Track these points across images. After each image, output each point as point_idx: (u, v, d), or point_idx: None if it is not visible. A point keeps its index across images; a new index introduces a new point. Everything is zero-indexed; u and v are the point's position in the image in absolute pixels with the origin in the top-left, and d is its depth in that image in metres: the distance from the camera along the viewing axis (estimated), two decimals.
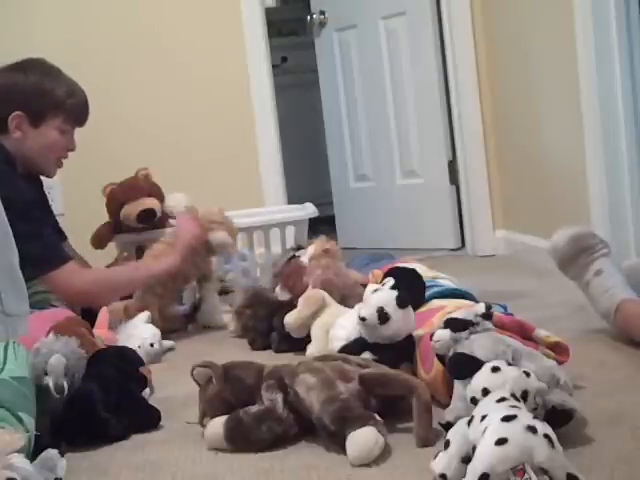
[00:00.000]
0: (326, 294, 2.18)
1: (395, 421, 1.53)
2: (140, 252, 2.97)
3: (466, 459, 1.19)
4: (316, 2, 4.45)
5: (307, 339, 2.13)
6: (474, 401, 1.31)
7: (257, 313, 2.41)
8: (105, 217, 3.03)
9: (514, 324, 1.64)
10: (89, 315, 2.45)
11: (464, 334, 1.51)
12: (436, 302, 1.94)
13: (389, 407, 1.55)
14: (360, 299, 1.87)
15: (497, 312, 1.66)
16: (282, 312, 2.23)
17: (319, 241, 2.59)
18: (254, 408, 1.54)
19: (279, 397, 1.55)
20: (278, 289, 2.51)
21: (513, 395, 1.27)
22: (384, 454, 1.41)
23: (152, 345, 2.31)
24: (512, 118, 3.49)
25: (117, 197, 2.99)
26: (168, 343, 2.44)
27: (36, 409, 1.56)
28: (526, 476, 1.07)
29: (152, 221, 2.97)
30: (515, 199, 3.58)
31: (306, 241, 2.93)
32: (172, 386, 2.00)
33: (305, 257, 2.55)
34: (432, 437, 1.44)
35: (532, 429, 1.11)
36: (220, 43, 3.76)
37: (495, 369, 1.33)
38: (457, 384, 1.45)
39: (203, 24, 3.76)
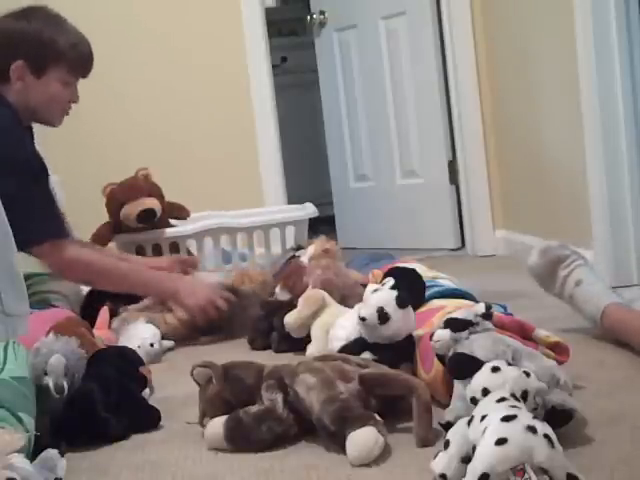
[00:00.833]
0: (326, 294, 2.18)
1: (395, 421, 1.53)
2: (140, 252, 2.98)
3: (466, 459, 1.19)
4: (316, 2, 4.45)
5: (307, 339, 2.13)
6: (474, 401, 1.31)
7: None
8: (105, 217, 3.03)
9: (514, 324, 1.64)
10: (89, 315, 2.46)
11: (464, 334, 1.51)
12: (436, 302, 1.93)
13: (389, 407, 1.55)
14: (360, 299, 1.87)
15: (497, 312, 1.66)
16: (282, 312, 2.23)
17: (319, 241, 2.59)
18: (254, 408, 1.54)
19: (279, 397, 1.55)
20: (278, 289, 2.52)
21: (513, 395, 1.27)
22: (384, 454, 1.41)
23: (152, 345, 2.31)
24: (512, 118, 3.49)
25: (117, 197, 2.99)
26: (168, 343, 2.44)
27: (36, 409, 1.56)
28: (526, 476, 1.07)
29: (152, 221, 2.97)
30: (515, 199, 3.58)
31: (306, 241, 2.93)
32: (172, 386, 1.99)
33: (305, 257, 2.55)
34: (432, 437, 1.44)
35: (532, 429, 1.11)
36: (220, 43, 3.76)
37: (495, 369, 1.33)
38: (457, 384, 1.45)
39: (203, 24, 3.76)
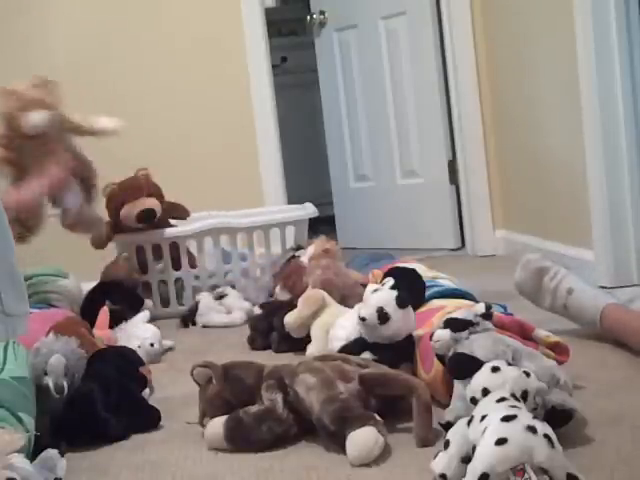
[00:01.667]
0: (326, 294, 2.18)
1: (395, 421, 1.53)
2: (140, 252, 2.98)
3: (466, 459, 1.19)
4: (316, 2, 4.45)
5: (307, 339, 2.13)
6: (474, 401, 1.31)
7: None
8: (105, 217, 3.03)
9: (514, 324, 1.64)
10: (89, 315, 2.46)
11: (464, 334, 1.51)
12: (436, 302, 1.94)
13: (389, 407, 1.55)
14: (360, 299, 1.87)
15: (497, 312, 1.66)
16: (282, 312, 2.23)
17: (319, 241, 2.60)
18: (254, 408, 1.54)
19: (279, 397, 1.55)
20: (278, 289, 2.52)
21: (513, 395, 1.27)
22: (384, 454, 1.41)
23: (152, 345, 2.31)
24: (512, 118, 3.49)
25: (117, 197, 2.99)
26: (168, 343, 2.44)
27: (36, 409, 1.56)
28: (526, 476, 1.07)
29: (152, 221, 2.97)
30: (515, 199, 3.58)
31: (306, 241, 2.93)
32: (172, 386, 2.00)
33: (305, 257, 2.55)
34: (432, 437, 1.44)
35: (532, 429, 1.11)
36: (220, 43, 3.76)
37: (495, 369, 1.33)
38: (457, 384, 1.45)
39: (203, 24, 3.76)
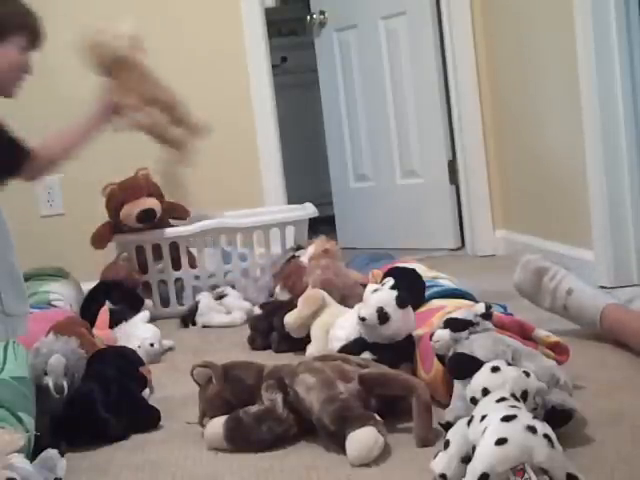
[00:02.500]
0: (326, 294, 2.18)
1: (395, 421, 1.53)
2: (140, 252, 2.98)
3: (466, 459, 1.19)
4: (316, 2, 4.45)
5: (307, 339, 2.13)
6: (474, 401, 1.31)
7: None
8: (105, 217, 3.03)
9: (514, 324, 1.64)
10: (89, 315, 2.46)
11: (464, 334, 1.51)
12: (436, 302, 1.94)
13: (389, 407, 1.55)
14: (360, 299, 1.87)
15: (497, 312, 1.66)
16: (282, 312, 2.23)
17: (319, 241, 2.60)
18: (254, 408, 1.54)
19: (279, 397, 1.55)
20: (278, 289, 2.52)
21: (513, 395, 1.27)
22: (384, 454, 1.41)
23: (152, 345, 2.31)
24: (512, 118, 3.49)
25: (117, 197, 2.99)
26: (168, 343, 2.44)
27: (36, 409, 1.56)
28: (526, 476, 1.07)
29: (152, 221, 2.97)
30: (515, 199, 3.58)
31: (306, 241, 2.93)
32: (172, 386, 2.00)
33: (305, 257, 2.55)
34: (432, 437, 1.44)
35: (532, 429, 1.11)
36: (220, 43, 3.76)
37: (495, 369, 1.33)
38: (457, 384, 1.45)
39: (203, 24, 3.75)
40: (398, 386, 1.52)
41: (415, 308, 1.82)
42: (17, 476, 1.22)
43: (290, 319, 2.16)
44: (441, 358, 1.55)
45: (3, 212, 2.15)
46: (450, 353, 1.50)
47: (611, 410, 1.51)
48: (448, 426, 1.33)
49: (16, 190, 2.61)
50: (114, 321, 2.39)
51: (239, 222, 3.04)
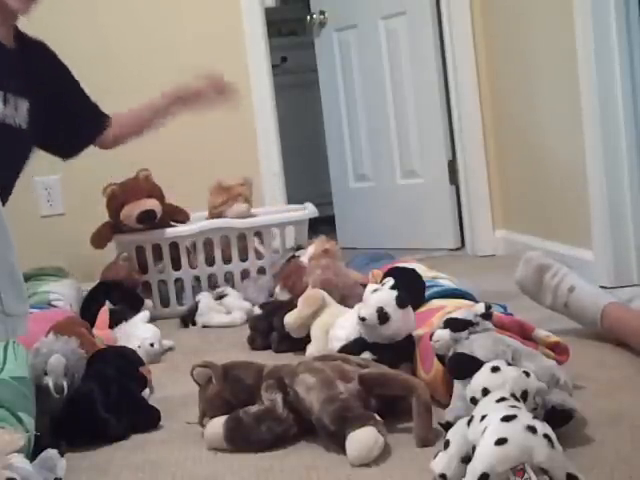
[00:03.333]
0: (326, 294, 2.18)
1: (395, 421, 1.53)
2: (140, 252, 2.98)
3: (466, 459, 1.19)
4: (316, 2, 4.45)
5: (307, 339, 2.13)
6: (474, 401, 1.31)
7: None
8: (105, 217, 3.03)
9: (514, 324, 1.64)
10: (89, 315, 2.46)
11: (464, 334, 1.51)
12: (436, 302, 1.93)
13: (389, 407, 1.55)
14: (360, 299, 1.87)
15: (497, 312, 1.66)
16: (282, 312, 2.23)
17: (319, 241, 2.60)
18: (254, 408, 1.54)
19: (279, 397, 1.55)
20: (278, 289, 2.52)
21: (513, 395, 1.27)
22: (384, 454, 1.41)
23: (152, 345, 2.31)
24: (512, 118, 3.49)
25: (117, 197, 2.99)
26: (168, 343, 2.44)
27: (36, 409, 1.56)
28: (526, 476, 1.07)
29: (152, 222, 2.97)
30: (515, 199, 3.58)
31: (306, 241, 2.93)
32: (172, 386, 2.00)
33: (305, 257, 2.55)
34: (432, 437, 1.44)
35: (532, 429, 1.11)
36: (220, 43, 3.76)
37: (495, 369, 1.33)
38: (457, 384, 1.45)
39: (203, 24, 3.75)
40: (398, 386, 1.52)
41: (415, 308, 1.82)
42: (17, 476, 1.22)
43: (290, 319, 2.16)
44: (441, 358, 1.55)
45: (3, 212, 2.14)
46: (450, 353, 1.50)
47: (611, 410, 1.51)
48: (448, 426, 1.33)
49: (16, 190, 2.61)
50: (114, 321, 2.39)
51: (239, 222, 3.04)
